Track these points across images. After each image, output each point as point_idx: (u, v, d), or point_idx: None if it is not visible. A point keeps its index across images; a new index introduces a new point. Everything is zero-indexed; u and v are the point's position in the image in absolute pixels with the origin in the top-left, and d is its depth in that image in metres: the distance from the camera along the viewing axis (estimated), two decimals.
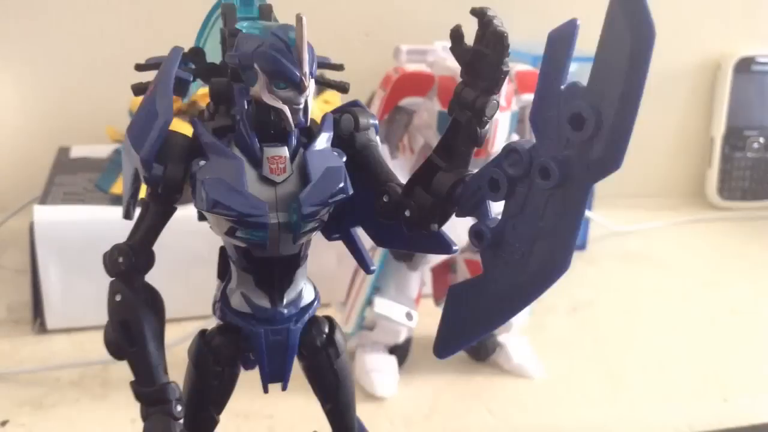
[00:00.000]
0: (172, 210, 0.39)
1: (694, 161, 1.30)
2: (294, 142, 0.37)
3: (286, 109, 0.35)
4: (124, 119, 0.93)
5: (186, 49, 0.40)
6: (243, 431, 0.62)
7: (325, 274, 0.78)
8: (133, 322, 0.38)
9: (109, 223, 0.75)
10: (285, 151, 0.37)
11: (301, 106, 0.35)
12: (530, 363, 0.72)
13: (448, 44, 0.71)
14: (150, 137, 0.36)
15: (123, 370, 0.68)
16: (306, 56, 0.34)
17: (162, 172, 0.36)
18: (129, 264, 0.38)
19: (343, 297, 0.71)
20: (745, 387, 0.72)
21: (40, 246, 0.73)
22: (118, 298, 0.38)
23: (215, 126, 0.38)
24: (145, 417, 0.39)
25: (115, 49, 1.02)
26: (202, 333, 0.41)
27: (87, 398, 0.66)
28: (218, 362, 0.40)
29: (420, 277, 0.70)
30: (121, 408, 0.64)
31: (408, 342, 0.72)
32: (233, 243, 0.38)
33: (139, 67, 0.40)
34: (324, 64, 0.40)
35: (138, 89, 0.40)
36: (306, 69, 0.34)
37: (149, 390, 0.39)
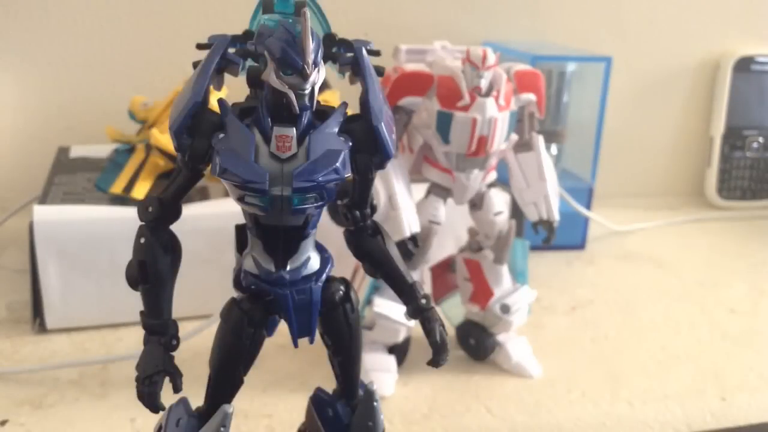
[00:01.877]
0: (200, 175, 0.43)
1: (693, 161, 1.30)
2: (304, 124, 0.40)
3: (291, 93, 0.39)
4: (124, 119, 0.93)
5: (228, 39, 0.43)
6: (242, 430, 0.62)
7: None
8: (149, 264, 0.42)
9: (108, 223, 0.76)
10: (292, 132, 0.40)
11: (306, 92, 0.39)
12: (529, 362, 0.72)
13: (448, 44, 0.72)
14: (180, 113, 0.40)
15: (122, 370, 0.69)
16: (310, 47, 0.38)
17: (189, 143, 0.40)
18: (157, 213, 0.42)
19: None
20: (744, 386, 0.72)
21: (39, 246, 0.73)
22: (141, 240, 0.42)
23: (243, 106, 0.42)
24: (145, 343, 0.43)
25: (115, 49, 1.02)
26: (234, 299, 0.45)
27: (86, 398, 0.66)
28: (251, 323, 0.44)
29: (419, 276, 0.70)
30: (121, 407, 0.64)
31: (407, 341, 0.72)
32: (243, 209, 0.43)
33: (200, 46, 0.42)
34: (367, 50, 0.43)
35: (196, 66, 0.43)
36: (309, 58, 0.38)
37: (153, 322, 0.43)
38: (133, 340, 0.75)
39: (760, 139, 1.25)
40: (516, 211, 0.78)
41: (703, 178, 1.29)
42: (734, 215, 1.23)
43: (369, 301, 0.69)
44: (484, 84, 0.63)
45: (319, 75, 0.39)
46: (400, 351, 0.71)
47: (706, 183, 1.28)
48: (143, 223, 0.43)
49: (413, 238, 0.64)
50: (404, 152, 0.69)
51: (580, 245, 1.06)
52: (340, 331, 0.46)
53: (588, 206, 1.06)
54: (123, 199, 0.78)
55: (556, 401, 0.68)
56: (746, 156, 1.26)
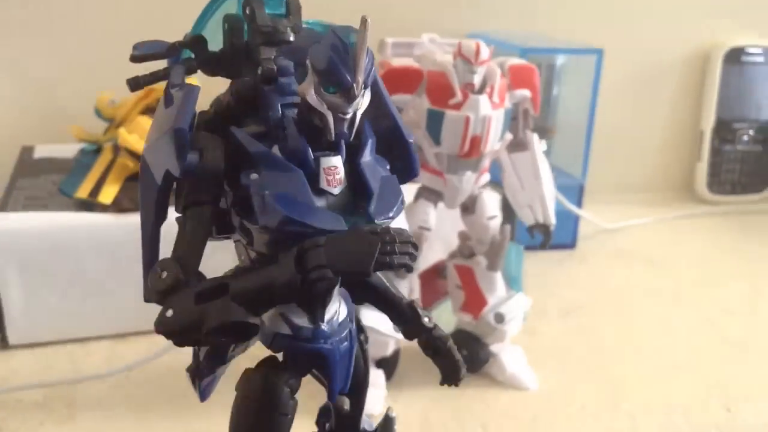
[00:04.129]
0: (214, 209, 0.34)
1: (683, 155, 1.27)
2: (344, 150, 0.34)
3: (329, 115, 0.32)
4: (90, 118, 0.88)
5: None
6: None
7: None
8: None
9: (73, 230, 0.70)
10: (339, 161, 0.34)
11: (348, 116, 0.33)
12: (524, 373, 0.69)
13: (437, 37, 0.68)
14: (174, 114, 0.32)
15: (91, 390, 0.64)
16: (363, 63, 0.31)
17: (198, 158, 0.32)
18: (175, 278, 0.32)
19: None
20: (748, 395, 0.69)
21: None
22: (169, 314, 0.32)
23: (249, 133, 0.34)
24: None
25: (80, 46, 0.97)
26: (261, 372, 0.36)
27: (52, 421, 0.61)
28: (293, 393, 0.37)
29: (408, 285, 0.66)
30: (90, 431, 0.59)
31: (396, 354, 0.68)
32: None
33: (134, 59, 0.36)
34: None
35: (135, 84, 0.36)
36: (361, 77, 0.32)
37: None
38: (102, 355, 0.70)
39: (751, 132, 1.22)
40: (509, 213, 0.74)
41: (693, 173, 1.26)
42: (725, 210, 1.20)
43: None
44: (477, 80, 0.59)
45: (364, 99, 0.33)
46: (388, 365, 0.67)
47: (696, 177, 1.25)
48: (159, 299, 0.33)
49: None
50: None
51: (570, 244, 1.03)
52: (356, 367, 0.40)
53: (579, 204, 1.02)
54: (89, 204, 0.73)
55: (554, 415, 0.64)
56: (736, 149, 1.23)
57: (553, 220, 0.67)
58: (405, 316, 0.40)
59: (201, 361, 0.38)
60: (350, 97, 0.32)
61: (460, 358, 0.41)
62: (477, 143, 0.60)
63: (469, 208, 0.66)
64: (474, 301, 0.68)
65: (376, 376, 0.65)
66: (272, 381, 0.36)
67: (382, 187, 0.34)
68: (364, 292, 0.40)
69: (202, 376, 0.38)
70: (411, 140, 0.37)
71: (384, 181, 0.35)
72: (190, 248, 0.33)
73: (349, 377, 0.38)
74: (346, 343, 0.37)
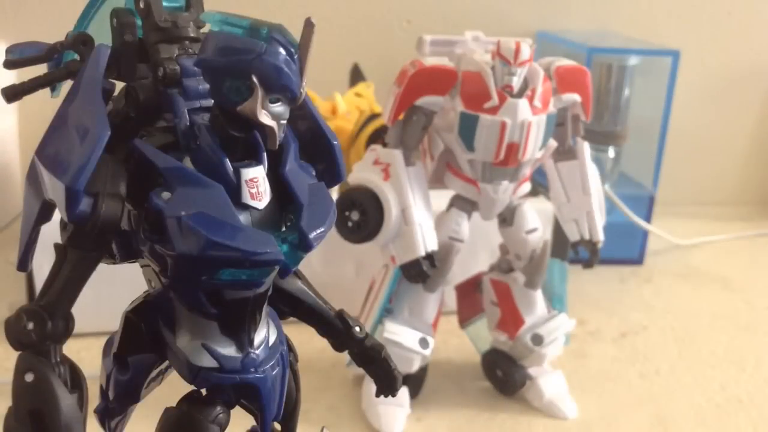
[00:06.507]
0: (98, 258, 0.31)
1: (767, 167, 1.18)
2: (265, 159, 0.31)
3: (275, 125, 0.29)
4: None
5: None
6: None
7: (343, 285, 0.71)
8: (48, 413, 0.30)
9: None
10: (261, 171, 0.31)
11: (285, 121, 0.30)
12: (564, 401, 0.64)
13: (481, 35, 0.63)
14: (78, 157, 0.28)
15: None
16: (307, 66, 0.29)
17: (91, 208, 0.29)
18: (43, 332, 0.30)
19: (357, 312, 0.64)
20: None
21: None
22: (29, 378, 0.30)
23: (156, 145, 0.31)
24: None
25: None
26: (185, 411, 0.33)
27: None
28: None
29: (439, 298, 0.62)
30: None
31: (423, 371, 0.64)
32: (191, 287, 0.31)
33: (9, 64, 0.32)
34: None
35: (12, 94, 0.33)
36: (304, 80, 0.29)
37: None
38: None
39: None
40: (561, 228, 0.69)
41: None
42: None
43: (380, 322, 0.61)
44: (516, 82, 0.54)
45: None
46: (414, 382, 0.63)
47: None
48: (23, 351, 0.31)
49: (429, 257, 0.56)
50: (424, 158, 0.61)
51: (637, 260, 0.96)
52: (287, 391, 0.36)
53: (648, 216, 0.95)
54: None
55: None
56: None
57: (601, 236, 0.62)
58: (334, 328, 0.37)
59: (110, 401, 0.34)
60: (293, 103, 0.29)
61: (396, 367, 0.38)
62: (514, 151, 0.55)
63: (506, 219, 0.61)
64: (510, 320, 0.63)
65: (399, 393, 0.62)
66: (197, 420, 0.33)
67: (311, 197, 0.31)
68: (288, 305, 0.36)
69: (112, 415, 0.35)
70: (336, 142, 0.34)
71: (312, 190, 0.32)
72: (61, 296, 0.30)
73: (282, 404, 0.35)
74: (278, 368, 0.34)
